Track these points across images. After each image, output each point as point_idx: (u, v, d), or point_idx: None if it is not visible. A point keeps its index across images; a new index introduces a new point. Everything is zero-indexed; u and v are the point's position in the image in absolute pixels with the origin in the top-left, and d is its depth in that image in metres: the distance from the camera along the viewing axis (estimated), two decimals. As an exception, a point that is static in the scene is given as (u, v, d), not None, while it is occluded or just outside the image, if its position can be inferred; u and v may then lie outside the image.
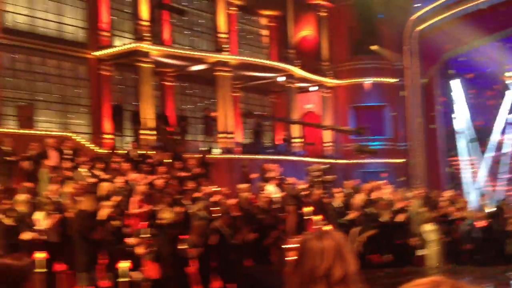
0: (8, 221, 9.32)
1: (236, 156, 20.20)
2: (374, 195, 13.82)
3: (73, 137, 16.73)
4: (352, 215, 12.87)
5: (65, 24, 19.09)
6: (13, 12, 17.80)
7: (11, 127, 16.41)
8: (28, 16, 18.21)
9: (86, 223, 9.68)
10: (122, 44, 19.56)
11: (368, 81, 25.18)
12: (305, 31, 26.05)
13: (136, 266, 9.62)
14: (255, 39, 26.13)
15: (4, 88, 17.30)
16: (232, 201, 12.12)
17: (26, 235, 9.29)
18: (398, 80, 25.42)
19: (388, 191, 14.62)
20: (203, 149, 19.96)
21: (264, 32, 26.45)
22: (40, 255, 8.51)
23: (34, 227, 9.54)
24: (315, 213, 12.71)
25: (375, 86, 25.27)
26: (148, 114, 18.84)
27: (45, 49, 18.31)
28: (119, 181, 12.94)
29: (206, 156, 18.36)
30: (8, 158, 13.84)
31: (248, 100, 25.44)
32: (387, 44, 24.92)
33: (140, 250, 10.00)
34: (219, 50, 21.40)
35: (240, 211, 11.75)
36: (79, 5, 19.48)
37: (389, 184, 16.34)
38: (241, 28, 25.13)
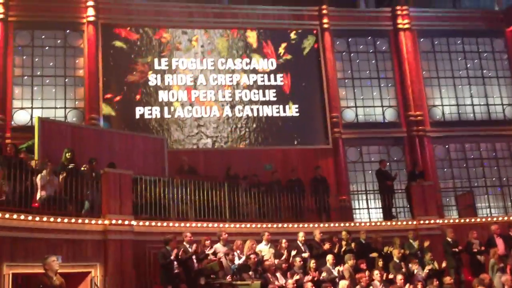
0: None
1: None
2: None
3: (517, 221, 15.58)
4: None
5: (491, 104, 18.95)
6: (439, 105, 18.62)
7: (452, 217, 16.45)
8: (455, 105, 18.73)
9: None
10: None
11: None
12: None
13: None
14: None
15: (442, 179, 17.78)
16: None
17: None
18: None
19: None
20: None
21: None
22: None
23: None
24: None
25: None
26: None
27: (475, 133, 18.45)
28: None
29: None
30: (454, 249, 13.57)
31: None
32: None
33: None
34: None
35: None
36: (503, 82, 19.30)
37: None
38: None
